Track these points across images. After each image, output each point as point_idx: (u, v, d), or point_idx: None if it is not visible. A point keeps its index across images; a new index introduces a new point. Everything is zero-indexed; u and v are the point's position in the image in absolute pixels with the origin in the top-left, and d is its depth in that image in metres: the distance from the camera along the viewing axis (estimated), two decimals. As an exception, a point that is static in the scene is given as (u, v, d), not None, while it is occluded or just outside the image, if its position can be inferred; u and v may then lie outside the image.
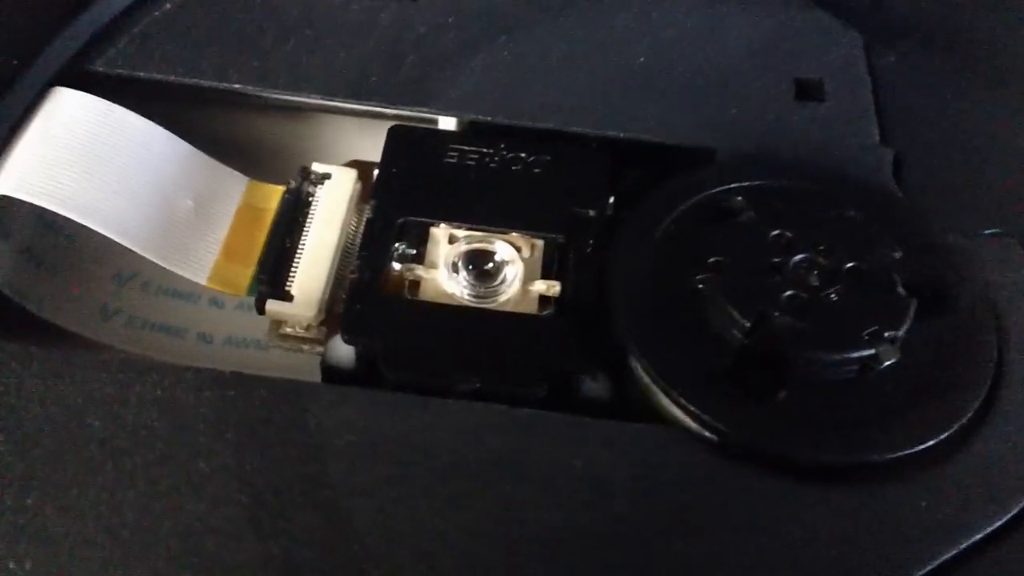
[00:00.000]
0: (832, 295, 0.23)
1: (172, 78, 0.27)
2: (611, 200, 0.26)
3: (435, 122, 0.27)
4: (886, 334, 0.22)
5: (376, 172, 0.26)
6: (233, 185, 0.27)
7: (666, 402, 0.22)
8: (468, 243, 0.25)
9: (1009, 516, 0.21)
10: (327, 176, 0.26)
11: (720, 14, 0.30)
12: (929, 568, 0.20)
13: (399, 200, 0.25)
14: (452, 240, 0.25)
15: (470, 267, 0.24)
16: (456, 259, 0.24)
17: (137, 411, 0.21)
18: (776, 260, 0.23)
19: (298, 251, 0.25)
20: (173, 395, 0.22)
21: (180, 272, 0.25)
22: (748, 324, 0.22)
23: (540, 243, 0.25)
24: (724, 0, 0.30)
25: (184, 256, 0.25)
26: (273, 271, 0.25)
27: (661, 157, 0.27)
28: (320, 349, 0.24)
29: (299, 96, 0.27)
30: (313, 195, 0.26)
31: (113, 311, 0.28)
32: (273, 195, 0.26)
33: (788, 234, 0.24)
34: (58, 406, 0.21)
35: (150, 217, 0.25)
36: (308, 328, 0.24)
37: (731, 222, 0.24)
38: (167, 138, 0.26)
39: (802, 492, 0.21)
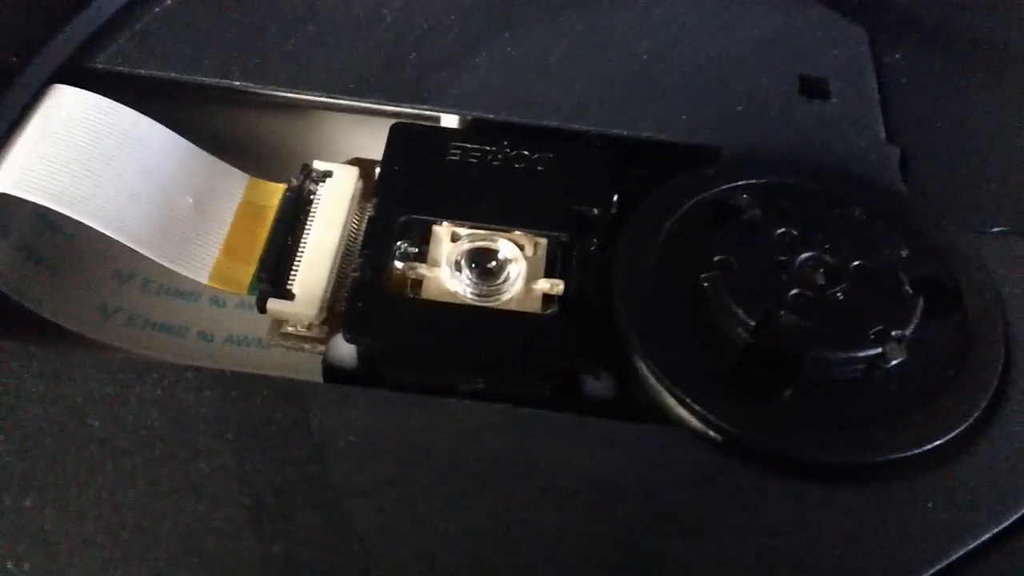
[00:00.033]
0: (838, 294, 0.23)
1: (173, 75, 0.27)
2: (615, 198, 0.26)
3: (437, 120, 0.27)
4: (893, 333, 0.22)
5: (378, 170, 0.26)
6: (234, 183, 0.27)
7: (671, 401, 0.22)
8: (471, 241, 0.24)
9: (1016, 517, 0.21)
10: (328, 174, 0.26)
11: (724, 11, 0.30)
12: (936, 569, 0.20)
13: (401, 198, 0.25)
14: (455, 238, 0.25)
15: (473, 265, 0.24)
16: (459, 257, 0.24)
17: (137, 411, 0.21)
18: (782, 258, 0.23)
19: (299, 249, 0.25)
20: (173, 395, 0.21)
21: (180, 270, 0.25)
22: (753, 323, 0.22)
23: (543, 241, 0.25)
24: (728, -3, 0.30)
25: (185, 254, 0.25)
26: (274, 270, 0.24)
27: (665, 155, 0.27)
28: (322, 348, 0.24)
29: (300, 93, 0.27)
30: (315, 193, 0.26)
31: (113, 310, 0.27)
32: (274, 193, 0.26)
33: (794, 232, 0.24)
34: (58, 406, 0.21)
35: (150, 215, 0.25)
36: (310, 327, 0.24)
37: (736, 220, 0.24)
38: (167, 135, 0.26)
39: (808, 492, 0.21)
